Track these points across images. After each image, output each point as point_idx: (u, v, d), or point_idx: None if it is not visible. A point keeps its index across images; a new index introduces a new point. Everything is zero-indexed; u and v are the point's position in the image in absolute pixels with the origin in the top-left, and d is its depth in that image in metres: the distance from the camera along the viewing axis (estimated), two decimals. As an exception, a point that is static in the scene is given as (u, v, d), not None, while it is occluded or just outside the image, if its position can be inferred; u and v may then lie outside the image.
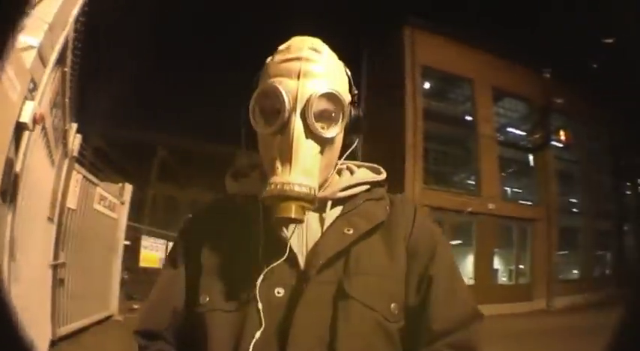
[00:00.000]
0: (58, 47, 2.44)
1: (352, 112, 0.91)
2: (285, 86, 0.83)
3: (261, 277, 0.83)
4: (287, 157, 0.82)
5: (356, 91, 0.95)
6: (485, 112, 15.36)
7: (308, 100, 0.83)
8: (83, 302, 5.68)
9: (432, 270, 0.90)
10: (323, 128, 0.84)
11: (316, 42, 0.89)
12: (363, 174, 1.00)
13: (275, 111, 0.84)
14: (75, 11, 2.54)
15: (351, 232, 0.88)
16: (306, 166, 0.83)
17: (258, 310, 0.82)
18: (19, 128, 2.36)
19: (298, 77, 0.84)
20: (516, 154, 16.49)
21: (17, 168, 2.59)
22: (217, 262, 0.90)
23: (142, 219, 14.27)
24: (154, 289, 0.98)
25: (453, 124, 15.07)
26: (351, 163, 1.02)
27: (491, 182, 14.82)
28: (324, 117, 0.85)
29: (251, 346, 0.79)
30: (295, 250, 0.87)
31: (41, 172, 3.62)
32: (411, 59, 14.18)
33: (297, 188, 0.80)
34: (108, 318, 6.63)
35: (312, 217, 0.91)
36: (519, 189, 16.84)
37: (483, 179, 14.72)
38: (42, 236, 4.16)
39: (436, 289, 0.89)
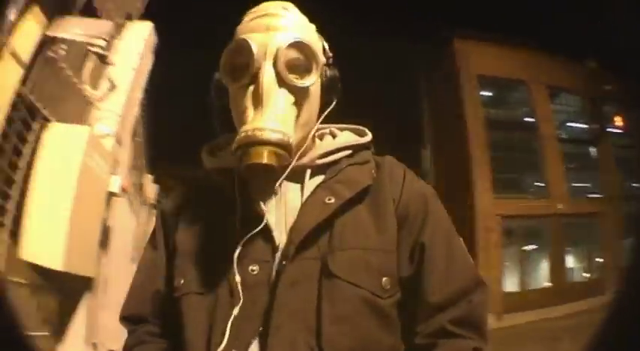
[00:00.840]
0: (129, 128, 3.18)
1: (327, 72, 0.88)
2: (254, 39, 0.81)
3: (236, 253, 0.78)
4: (259, 105, 0.78)
5: (330, 54, 0.91)
6: (544, 111, 15.08)
7: (277, 50, 0.79)
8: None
9: (424, 237, 0.83)
10: (296, 78, 0.81)
11: (286, 3, 0.87)
12: (346, 137, 0.94)
13: (245, 65, 0.80)
14: (139, 95, 3.27)
15: (333, 201, 0.81)
16: (279, 113, 0.78)
17: (235, 286, 0.77)
18: (110, 196, 3.14)
19: (267, 31, 0.82)
20: (578, 148, 15.99)
21: (108, 223, 3.38)
22: (192, 242, 0.86)
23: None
24: (134, 275, 0.95)
25: (514, 128, 15.02)
26: (334, 127, 0.97)
27: (558, 182, 14.47)
28: (296, 68, 0.81)
29: (229, 325, 0.75)
30: (273, 224, 0.81)
31: (125, 221, 4.45)
32: (465, 70, 14.30)
33: (268, 133, 0.74)
34: None
35: (291, 188, 0.85)
36: (584, 183, 16.27)
37: (550, 180, 14.44)
38: (127, 275, 5.08)
39: (430, 257, 0.82)
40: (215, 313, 0.77)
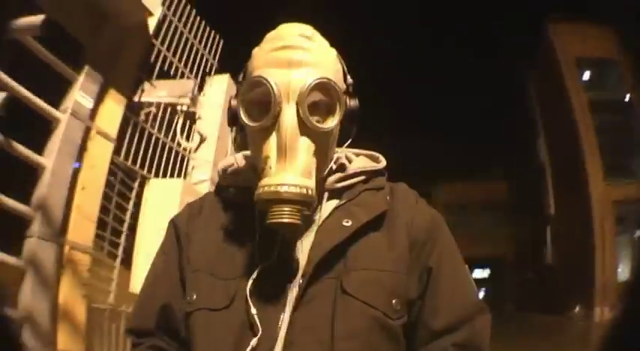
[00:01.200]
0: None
1: (348, 102, 0.83)
2: (275, 77, 0.76)
3: (255, 274, 0.79)
4: (281, 156, 0.75)
5: (350, 80, 0.87)
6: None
7: (300, 91, 0.75)
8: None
9: (431, 261, 0.84)
10: (318, 122, 0.77)
11: (306, 28, 0.82)
12: (361, 163, 0.93)
13: (265, 104, 0.77)
14: (228, 141, 3.46)
15: (350, 223, 0.81)
16: (302, 165, 0.76)
17: (250, 311, 0.77)
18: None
19: (288, 67, 0.77)
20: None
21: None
22: (207, 258, 0.85)
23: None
24: (142, 287, 0.95)
25: (618, 109, 14.03)
26: (350, 152, 0.96)
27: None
28: (318, 109, 0.78)
29: (253, 343, 0.75)
30: (290, 246, 0.82)
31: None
32: (563, 54, 14.00)
33: (291, 189, 0.73)
34: None
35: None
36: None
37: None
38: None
39: (436, 281, 0.83)
40: (226, 329, 0.78)
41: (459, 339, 0.80)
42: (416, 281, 0.83)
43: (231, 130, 0.91)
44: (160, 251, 0.95)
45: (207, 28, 3.12)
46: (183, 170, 3.22)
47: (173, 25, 2.86)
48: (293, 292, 0.78)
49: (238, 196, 0.87)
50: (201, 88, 3.05)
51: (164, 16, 2.77)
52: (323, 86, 0.77)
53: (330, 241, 0.79)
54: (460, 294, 0.85)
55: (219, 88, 3.06)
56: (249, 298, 0.77)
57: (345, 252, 0.80)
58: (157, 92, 2.86)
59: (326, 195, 0.87)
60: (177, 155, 3.07)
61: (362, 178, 0.90)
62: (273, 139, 0.76)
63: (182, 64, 2.90)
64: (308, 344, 0.75)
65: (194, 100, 3.00)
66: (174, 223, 0.94)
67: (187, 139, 3.11)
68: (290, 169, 0.75)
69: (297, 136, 0.76)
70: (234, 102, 0.83)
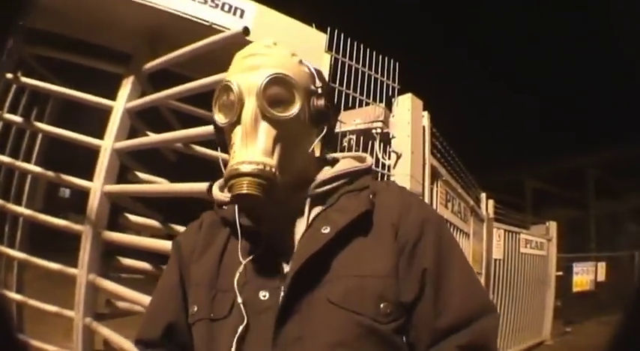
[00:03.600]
0: (421, 181, 3.63)
1: (315, 102, 0.89)
2: (238, 79, 0.85)
3: (236, 277, 0.82)
4: (242, 141, 0.82)
5: (320, 84, 0.92)
6: None
7: (258, 86, 0.83)
8: (517, 333, 6.62)
9: (426, 261, 0.82)
10: (278, 112, 0.84)
11: (269, 41, 0.90)
12: (345, 165, 0.95)
13: (230, 105, 0.85)
14: (419, 152, 3.69)
15: (328, 230, 0.81)
16: (261, 146, 0.81)
17: (239, 309, 0.80)
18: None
19: (250, 70, 0.85)
20: None
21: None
22: (204, 272, 0.89)
23: (586, 243, 13.87)
24: (150, 301, 1.01)
25: None
26: (337, 155, 1.00)
27: None
28: (279, 102, 0.84)
29: (234, 344, 0.77)
30: (280, 251, 0.84)
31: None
32: None
33: (247, 165, 0.78)
34: (540, 343, 7.34)
35: (295, 219, 0.87)
36: None
37: None
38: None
39: (436, 281, 0.82)
40: (225, 338, 0.80)
41: (464, 339, 0.78)
42: (410, 284, 0.81)
43: (217, 143, 0.96)
44: (165, 270, 1.01)
45: (380, 56, 3.40)
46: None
47: (347, 65, 3.10)
48: (281, 303, 0.79)
49: (230, 210, 0.91)
50: (390, 109, 3.37)
51: (335, 60, 3.04)
52: (279, 80, 0.84)
53: (308, 251, 0.79)
54: (463, 293, 0.83)
55: (404, 107, 3.33)
56: (237, 301, 0.81)
57: (328, 260, 0.81)
58: (353, 120, 3.29)
59: (308, 201, 0.88)
60: (379, 175, 3.42)
61: (344, 180, 0.91)
62: (237, 130, 0.83)
63: (364, 95, 3.22)
64: None
65: (386, 122, 3.33)
66: (176, 243, 1.00)
67: (387, 157, 3.45)
68: (250, 150, 0.80)
69: (257, 123, 0.82)
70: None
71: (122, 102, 2.73)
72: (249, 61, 0.87)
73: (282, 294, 0.79)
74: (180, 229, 2.70)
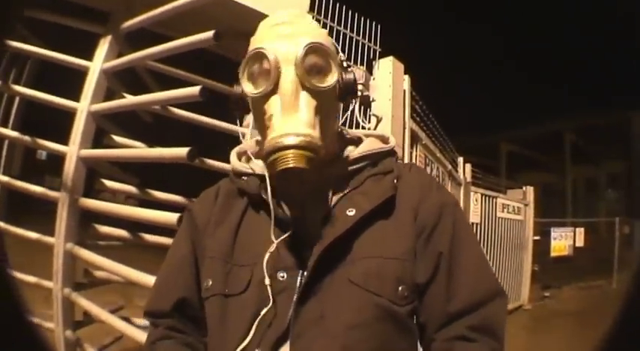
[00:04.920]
0: (402, 138, 3.68)
1: (344, 75, 0.87)
2: (272, 47, 0.81)
3: (266, 257, 0.79)
4: (284, 112, 0.78)
5: (343, 58, 0.92)
6: None
7: (296, 55, 0.80)
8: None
9: (442, 245, 0.83)
10: (317, 81, 0.81)
11: (296, 11, 0.88)
12: (369, 145, 0.93)
13: (265, 74, 0.81)
14: (401, 114, 3.72)
15: (354, 213, 0.81)
16: (305, 118, 0.78)
17: (265, 290, 0.78)
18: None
19: (283, 39, 0.82)
20: None
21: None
22: (221, 245, 0.87)
23: (563, 208, 14.28)
24: (160, 272, 0.97)
25: None
26: (360, 133, 0.99)
27: None
28: (315, 72, 0.82)
29: (255, 324, 0.77)
30: (303, 232, 0.82)
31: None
32: None
33: (293, 138, 0.74)
34: (518, 308, 7.47)
35: (318, 199, 0.85)
36: None
37: None
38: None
39: (449, 265, 0.83)
40: (241, 314, 0.80)
41: (474, 322, 0.80)
42: (425, 266, 0.82)
43: (237, 117, 0.93)
44: (176, 240, 0.97)
45: (362, 18, 3.37)
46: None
47: (328, 26, 3.09)
48: (302, 283, 0.79)
49: (251, 182, 0.88)
50: (370, 72, 3.36)
51: (317, 21, 3.06)
52: (316, 49, 0.82)
53: (333, 233, 0.80)
54: (475, 277, 0.83)
55: (386, 69, 3.33)
56: (265, 283, 0.79)
57: (350, 241, 0.81)
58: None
59: (334, 182, 0.87)
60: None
61: (369, 161, 0.90)
62: (274, 100, 0.80)
63: (345, 57, 3.21)
64: (315, 337, 0.76)
65: (366, 85, 3.34)
66: (190, 212, 0.97)
67: (367, 121, 3.47)
68: (293, 121, 0.77)
69: (298, 93, 0.79)
70: (234, 90, 0.88)
71: (99, 62, 2.63)
72: (282, 30, 0.84)
73: (304, 273, 0.80)
74: (158, 194, 2.70)
